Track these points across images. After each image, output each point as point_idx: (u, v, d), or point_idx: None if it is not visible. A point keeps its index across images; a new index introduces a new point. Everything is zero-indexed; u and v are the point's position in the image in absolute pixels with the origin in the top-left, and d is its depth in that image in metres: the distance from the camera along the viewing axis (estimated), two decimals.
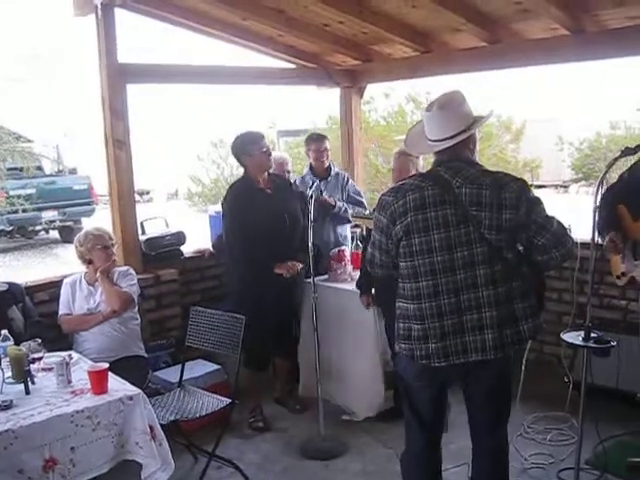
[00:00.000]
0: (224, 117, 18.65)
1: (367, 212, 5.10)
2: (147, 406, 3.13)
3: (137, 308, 4.34)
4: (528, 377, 4.69)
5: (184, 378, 4.35)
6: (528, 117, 15.42)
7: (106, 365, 3.17)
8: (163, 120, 21.00)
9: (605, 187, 3.62)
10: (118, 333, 4.17)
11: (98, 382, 3.09)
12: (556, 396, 4.63)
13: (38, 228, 15.37)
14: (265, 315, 4.45)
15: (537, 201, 2.75)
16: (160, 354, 4.90)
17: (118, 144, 4.77)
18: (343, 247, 5.18)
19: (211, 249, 5.45)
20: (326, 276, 4.95)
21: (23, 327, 4.02)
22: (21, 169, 14.55)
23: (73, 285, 4.26)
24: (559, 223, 2.76)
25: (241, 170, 4.64)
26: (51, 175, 15.69)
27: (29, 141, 15.87)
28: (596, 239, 3.30)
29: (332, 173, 5.46)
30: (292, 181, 5.17)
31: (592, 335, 3.18)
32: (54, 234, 15.92)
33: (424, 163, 4.37)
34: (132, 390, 3.13)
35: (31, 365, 3.28)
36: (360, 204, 5.48)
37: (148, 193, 21.84)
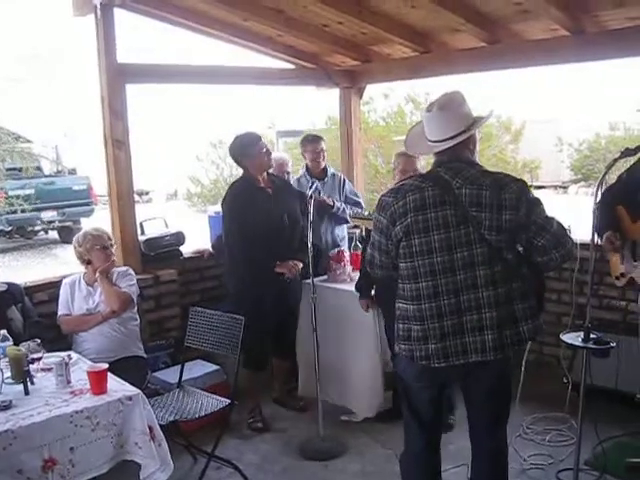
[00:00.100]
0: (223, 117, 18.64)
1: (366, 213, 5.11)
2: (146, 406, 3.13)
3: (136, 308, 4.34)
4: (527, 378, 4.69)
5: (183, 378, 4.34)
6: (528, 118, 15.45)
7: (105, 365, 3.17)
8: (162, 120, 20.99)
9: (604, 188, 3.62)
10: (117, 333, 4.17)
11: (97, 382, 3.09)
12: (555, 397, 4.63)
13: (37, 228, 15.38)
14: (264, 315, 4.45)
15: (537, 202, 2.75)
16: (159, 354, 4.89)
17: (117, 144, 4.77)
18: (342, 248, 5.19)
19: (210, 249, 5.45)
20: (325, 276, 4.95)
21: (22, 327, 4.02)
22: (20, 169, 14.55)
23: (72, 285, 4.26)
24: (559, 224, 2.76)
25: (240, 170, 4.64)
26: (50, 175, 15.69)
27: (28, 141, 15.86)
28: (596, 240, 3.31)
29: (328, 174, 5.46)
30: (291, 182, 5.18)
31: (591, 336, 3.18)
32: (53, 234, 15.94)
33: (424, 163, 4.36)
34: (131, 390, 3.13)
35: (30, 365, 3.27)
36: (358, 204, 5.49)
37: (147, 193, 21.85)
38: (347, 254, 4.99)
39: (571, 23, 4.43)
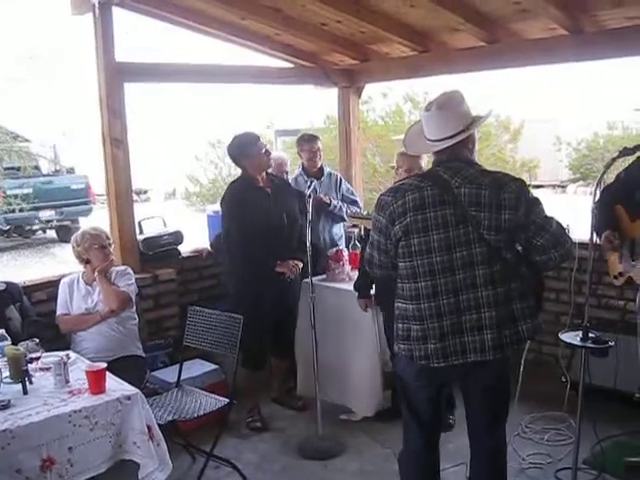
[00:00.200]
0: (222, 117, 18.62)
1: (365, 212, 5.11)
2: (145, 406, 3.13)
3: (135, 308, 4.34)
4: (526, 377, 4.69)
5: (182, 378, 4.34)
6: (526, 117, 15.44)
7: (104, 365, 3.16)
8: (161, 119, 20.96)
9: (602, 187, 3.63)
10: (116, 333, 4.17)
11: (96, 382, 3.08)
12: (554, 396, 4.64)
13: (35, 228, 15.38)
14: (263, 314, 4.45)
15: (536, 201, 2.75)
16: (158, 354, 4.89)
17: (116, 143, 4.76)
18: (340, 247, 5.19)
19: (209, 249, 5.45)
20: (324, 276, 4.95)
21: (21, 327, 4.01)
22: (18, 169, 14.55)
23: (71, 285, 4.26)
24: (558, 224, 2.76)
25: (239, 170, 4.64)
26: (48, 175, 15.68)
27: (26, 141, 15.87)
28: (594, 239, 3.30)
29: (325, 173, 5.46)
30: (290, 181, 5.18)
31: (590, 335, 3.18)
32: (51, 233, 15.93)
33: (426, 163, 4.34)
34: (130, 390, 3.13)
35: (29, 365, 3.27)
36: (355, 203, 5.51)
37: (146, 192, 21.82)
38: (346, 253, 4.98)
39: (570, 22, 4.43)
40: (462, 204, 2.71)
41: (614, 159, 3.21)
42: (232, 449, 4.34)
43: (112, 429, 3.00)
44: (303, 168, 5.48)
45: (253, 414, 4.70)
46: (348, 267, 4.93)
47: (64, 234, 14.68)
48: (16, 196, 14.07)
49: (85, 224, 10.87)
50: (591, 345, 3.16)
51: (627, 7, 4.11)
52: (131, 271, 4.40)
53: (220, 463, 4.11)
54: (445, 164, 2.81)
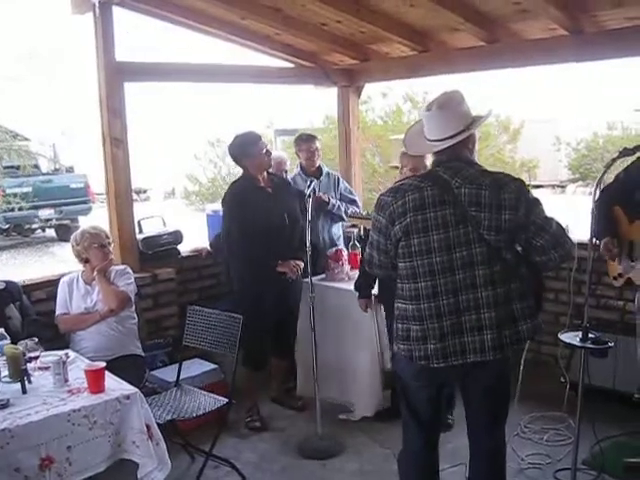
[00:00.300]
0: (221, 116, 18.63)
1: (364, 212, 5.11)
2: (144, 405, 3.13)
3: (134, 307, 4.34)
4: (525, 377, 4.69)
5: (181, 377, 4.34)
6: (526, 117, 15.43)
7: (103, 364, 3.16)
8: (160, 118, 20.97)
9: (602, 187, 3.63)
10: (115, 332, 4.17)
11: (95, 381, 3.08)
12: (553, 396, 4.64)
13: (35, 226, 15.39)
14: (264, 314, 4.46)
15: (536, 202, 2.75)
16: (157, 353, 4.89)
17: (115, 142, 4.76)
18: (340, 246, 5.19)
19: (209, 248, 5.45)
20: (323, 275, 4.95)
21: (20, 326, 4.01)
22: (18, 167, 14.56)
23: (70, 284, 4.25)
24: (558, 224, 2.76)
25: (239, 169, 4.64)
26: (48, 173, 15.68)
27: (26, 139, 15.88)
28: (594, 241, 3.30)
29: (323, 173, 5.46)
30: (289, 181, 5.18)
31: (590, 336, 3.18)
32: (50, 232, 15.93)
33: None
34: (129, 389, 3.13)
35: (28, 364, 3.27)
36: (353, 202, 5.51)
37: (145, 192, 21.83)
38: (345, 253, 4.99)
39: (570, 23, 4.43)
40: (462, 204, 2.71)
41: (614, 159, 3.21)
42: (231, 449, 4.34)
43: (111, 428, 3.00)
44: (301, 168, 5.48)
45: (252, 414, 4.70)
46: (347, 267, 4.93)
47: (63, 233, 14.68)
48: (15, 195, 14.08)
49: (84, 223, 10.88)
50: (591, 345, 3.16)
51: (627, 7, 4.10)
52: (130, 270, 4.40)
53: (219, 463, 4.11)
54: (445, 164, 2.81)
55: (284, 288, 4.57)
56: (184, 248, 5.46)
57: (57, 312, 4.22)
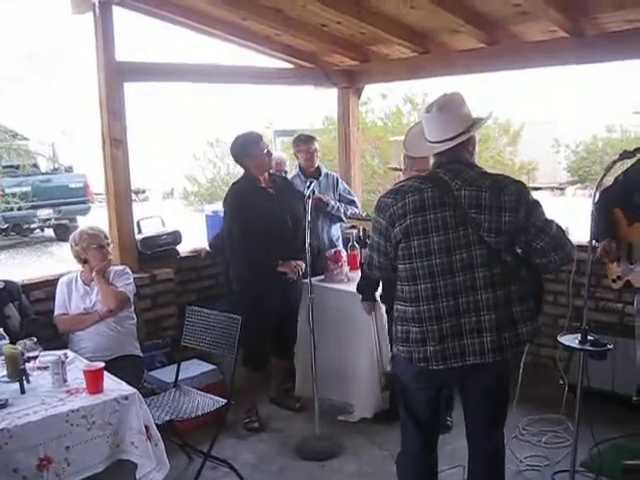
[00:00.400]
0: (221, 117, 18.63)
1: (364, 213, 5.10)
2: (142, 406, 3.13)
3: (133, 307, 4.33)
4: (524, 379, 4.68)
5: (179, 378, 4.33)
6: (526, 119, 15.44)
7: (101, 364, 3.16)
8: (159, 119, 20.96)
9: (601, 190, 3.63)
10: (114, 332, 4.16)
11: (93, 381, 3.08)
12: (551, 398, 4.63)
13: (33, 226, 15.38)
14: (264, 314, 4.46)
15: (536, 204, 2.74)
16: (155, 354, 4.88)
17: (115, 143, 4.76)
18: (339, 247, 5.19)
19: (208, 248, 5.45)
20: (322, 276, 4.95)
21: (19, 325, 4.01)
22: (17, 167, 14.55)
23: (69, 284, 4.25)
24: (558, 227, 2.75)
25: (238, 169, 4.64)
26: (47, 173, 15.67)
27: (25, 139, 15.85)
28: (593, 243, 3.30)
29: (322, 173, 5.46)
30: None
31: (589, 338, 3.18)
32: (49, 232, 15.92)
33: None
34: (127, 390, 3.12)
35: (26, 364, 3.27)
36: (352, 203, 5.51)
37: (144, 192, 21.81)
38: (344, 254, 4.98)
39: (570, 25, 4.43)
40: (462, 206, 2.71)
41: (614, 162, 3.21)
42: (229, 449, 4.34)
43: (109, 429, 3.00)
44: (300, 169, 5.48)
45: (251, 414, 4.70)
46: (346, 268, 4.93)
47: (62, 233, 14.67)
48: (14, 194, 14.06)
49: (83, 223, 10.87)
50: (590, 348, 3.16)
51: (628, 10, 4.10)
52: (129, 271, 4.39)
53: (217, 463, 4.11)
54: (445, 166, 2.80)
55: (285, 288, 4.57)
56: (183, 248, 5.46)
57: (56, 312, 4.22)
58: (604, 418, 3.98)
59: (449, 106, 2.82)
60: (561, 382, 4.65)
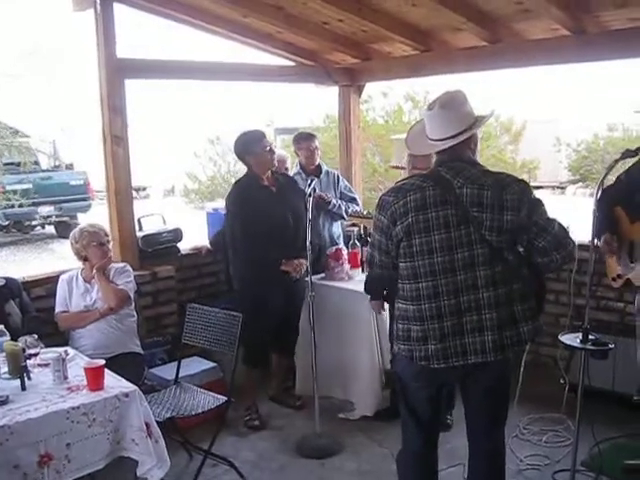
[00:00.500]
0: (222, 114, 18.61)
1: (365, 212, 5.10)
2: (143, 403, 3.13)
3: (133, 305, 4.33)
4: (524, 378, 4.68)
5: (180, 375, 4.33)
6: (527, 118, 15.42)
7: (102, 362, 3.16)
8: (160, 116, 20.94)
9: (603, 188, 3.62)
10: (114, 330, 4.16)
11: (94, 379, 3.08)
12: (552, 397, 4.63)
13: (34, 223, 15.35)
14: (265, 313, 4.45)
15: (539, 203, 2.74)
16: (156, 351, 4.88)
17: (116, 140, 4.76)
18: (340, 245, 5.18)
19: (208, 246, 5.45)
20: (323, 274, 4.95)
21: (20, 322, 4.01)
22: (18, 164, 14.52)
23: (70, 282, 4.25)
24: (560, 225, 2.75)
25: (238, 167, 4.64)
26: (48, 170, 15.66)
27: (26, 136, 15.82)
28: (595, 242, 3.30)
29: (323, 171, 5.45)
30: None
31: (590, 337, 3.17)
32: (50, 229, 15.91)
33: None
34: (128, 387, 3.13)
35: (27, 361, 3.27)
36: (353, 200, 5.51)
37: (145, 189, 21.81)
38: (345, 252, 4.98)
39: (572, 23, 4.42)
40: (464, 204, 2.70)
41: (616, 161, 3.21)
42: (230, 447, 4.34)
43: (110, 426, 3.00)
44: (301, 166, 5.47)
45: (251, 412, 4.70)
46: (347, 266, 4.93)
47: (63, 230, 14.65)
48: (15, 191, 14.04)
49: (84, 220, 10.86)
50: (591, 347, 3.15)
51: (631, 8, 4.09)
52: (130, 268, 4.39)
53: (218, 461, 4.11)
54: (447, 164, 2.80)
55: (288, 287, 4.56)
56: (184, 246, 5.46)
57: (57, 310, 4.21)
58: (605, 417, 3.98)
59: (451, 104, 2.81)
60: (562, 381, 4.65)
